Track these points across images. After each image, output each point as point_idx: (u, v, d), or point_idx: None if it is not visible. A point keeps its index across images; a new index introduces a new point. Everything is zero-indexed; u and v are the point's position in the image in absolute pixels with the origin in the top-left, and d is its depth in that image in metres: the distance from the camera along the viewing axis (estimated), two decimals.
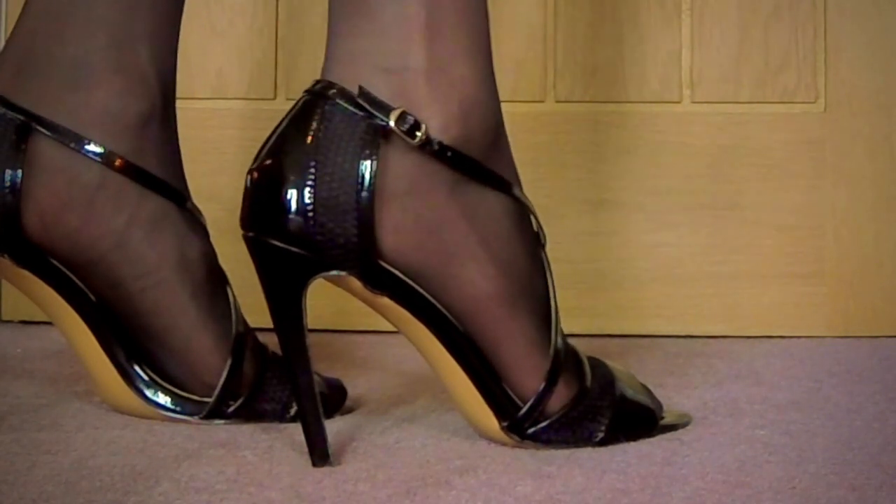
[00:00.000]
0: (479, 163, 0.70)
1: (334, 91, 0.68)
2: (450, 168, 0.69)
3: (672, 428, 0.76)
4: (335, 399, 0.80)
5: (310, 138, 0.68)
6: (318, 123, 0.68)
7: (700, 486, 0.64)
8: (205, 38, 1.17)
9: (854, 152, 1.12)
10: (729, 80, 1.13)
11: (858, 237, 1.12)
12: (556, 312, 0.73)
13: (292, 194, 0.67)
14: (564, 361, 0.72)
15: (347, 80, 0.69)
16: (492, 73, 0.72)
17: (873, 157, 1.12)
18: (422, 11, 0.69)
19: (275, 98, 1.17)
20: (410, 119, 0.68)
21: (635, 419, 0.74)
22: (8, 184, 0.74)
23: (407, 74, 0.69)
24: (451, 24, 0.70)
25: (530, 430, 0.71)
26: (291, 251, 0.68)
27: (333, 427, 0.75)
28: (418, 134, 0.68)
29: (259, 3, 1.17)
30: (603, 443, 0.72)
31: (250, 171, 0.69)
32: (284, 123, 0.69)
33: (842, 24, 1.12)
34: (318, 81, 0.69)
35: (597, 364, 0.75)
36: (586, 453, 0.71)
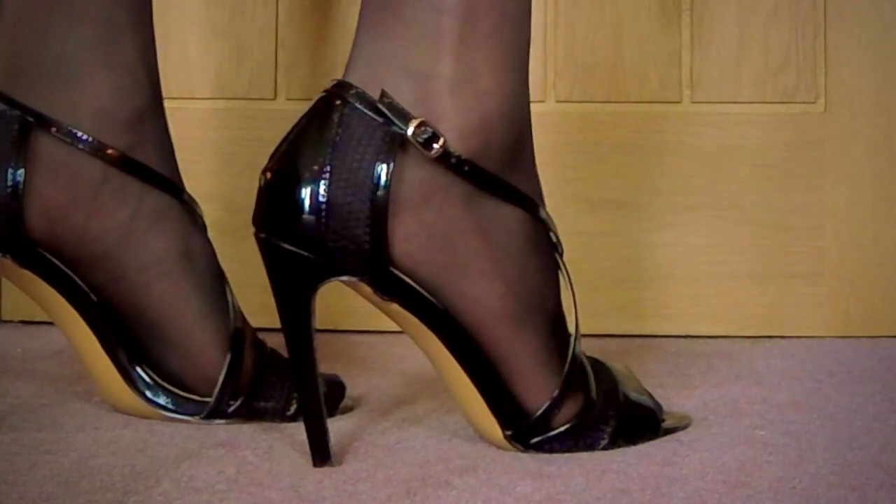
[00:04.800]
0: (497, 177, 0.69)
1: (353, 94, 0.68)
2: (466, 181, 0.68)
3: (672, 431, 0.75)
4: (335, 395, 0.81)
5: (326, 141, 0.67)
6: (336, 126, 0.67)
7: (700, 486, 0.64)
8: (205, 38, 1.17)
9: (854, 152, 1.12)
10: (729, 80, 1.13)
11: (858, 237, 1.12)
12: (577, 328, 0.73)
13: (306, 198, 0.66)
14: (575, 378, 0.72)
15: (371, 81, 0.68)
16: (522, 87, 0.71)
17: (873, 157, 1.12)
18: (456, 22, 0.68)
19: (275, 98, 1.16)
20: (429, 130, 0.67)
21: (638, 425, 0.74)
22: (10, 183, 0.73)
23: (431, 82, 0.68)
24: (484, 37, 0.69)
25: (534, 441, 0.71)
26: (302, 255, 0.67)
27: (334, 427, 0.74)
28: (435, 146, 0.67)
29: (259, 3, 1.17)
30: (606, 449, 0.72)
31: (264, 171, 0.68)
32: (301, 124, 0.68)
33: (842, 24, 1.12)
34: (337, 82, 0.69)
35: (600, 369, 0.75)
36: (586, 454, 0.71)
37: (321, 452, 0.68)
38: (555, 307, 0.72)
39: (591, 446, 0.72)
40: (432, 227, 0.68)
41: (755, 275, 1.13)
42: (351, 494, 0.63)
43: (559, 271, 0.73)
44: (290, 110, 1.15)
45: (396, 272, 0.68)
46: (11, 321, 1.18)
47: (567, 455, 0.70)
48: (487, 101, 0.69)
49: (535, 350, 0.71)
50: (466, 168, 0.68)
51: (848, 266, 1.12)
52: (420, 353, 0.72)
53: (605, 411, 0.72)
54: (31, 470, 0.67)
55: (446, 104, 0.68)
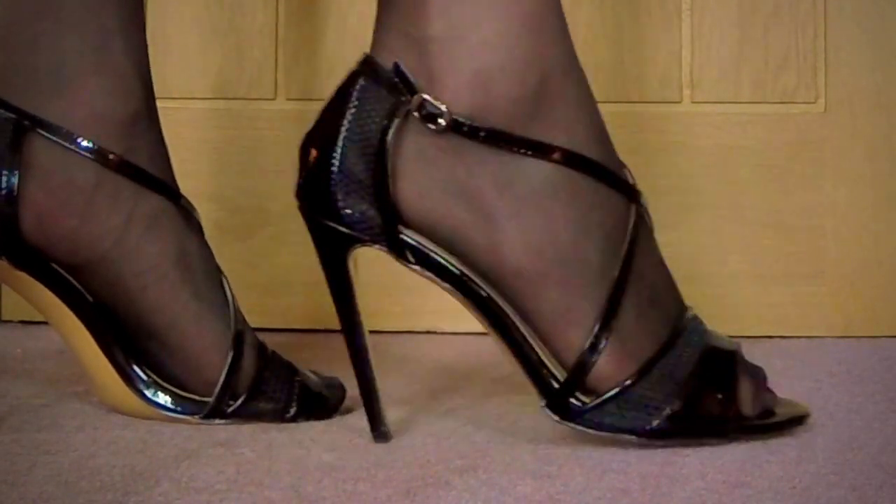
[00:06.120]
0: (506, 132, 0.69)
1: (368, 67, 0.70)
2: (472, 140, 0.68)
3: (786, 425, 0.72)
4: (335, 398, 0.81)
5: (343, 114, 0.69)
6: (353, 99, 0.70)
7: (700, 486, 0.64)
8: (205, 38, 1.17)
9: (854, 152, 1.12)
10: (729, 80, 1.13)
11: (858, 237, 1.12)
12: (624, 275, 0.70)
13: (323, 169, 0.69)
14: (628, 327, 0.69)
15: (383, 51, 0.70)
16: (536, 34, 0.69)
17: (873, 157, 1.12)
18: None
19: (275, 98, 1.16)
20: (428, 106, 0.68)
21: (703, 419, 0.70)
22: (4, 187, 0.73)
23: (426, 44, 0.69)
24: None
25: (572, 406, 0.69)
26: (328, 224, 0.70)
27: (333, 427, 0.75)
28: (440, 121, 0.68)
29: (259, 3, 1.17)
30: (661, 437, 0.69)
31: (301, 144, 0.71)
32: (330, 99, 0.71)
33: (842, 24, 1.12)
34: (363, 57, 0.71)
35: (695, 329, 0.73)
36: (587, 453, 0.71)
37: (376, 422, 0.72)
38: (598, 256, 0.70)
39: (639, 426, 0.68)
40: (445, 186, 0.69)
41: (755, 275, 1.13)
42: (351, 494, 0.63)
43: (629, 218, 0.72)
44: (290, 110, 1.15)
45: (411, 236, 0.69)
46: (11, 321, 1.18)
47: (567, 455, 0.70)
48: (485, 54, 0.69)
49: (560, 306, 0.69)
50: (466, 129, 0.68)
51: (848, 266, 1.12)
52: (420, 353, 0.72)
53: (664, 387, 0.69)
54: (31, 470, 0.67)
55: (439, 64, 0.69)
